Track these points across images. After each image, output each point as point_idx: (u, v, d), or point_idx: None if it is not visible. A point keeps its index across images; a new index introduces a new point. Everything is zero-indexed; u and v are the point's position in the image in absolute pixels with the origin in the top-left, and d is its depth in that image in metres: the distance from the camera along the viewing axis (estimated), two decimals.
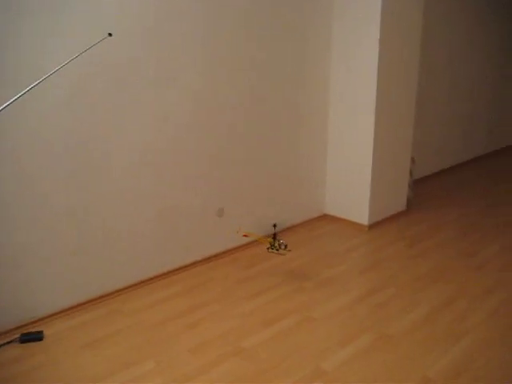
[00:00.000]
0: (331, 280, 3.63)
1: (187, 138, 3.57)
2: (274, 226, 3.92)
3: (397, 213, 4.91)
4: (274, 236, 3.70)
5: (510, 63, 7.75)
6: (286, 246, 3.62)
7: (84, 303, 3.22)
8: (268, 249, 3.72)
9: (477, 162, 7.15)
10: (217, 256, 3.96)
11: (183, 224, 3.69)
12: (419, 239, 4.36)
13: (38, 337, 2.87)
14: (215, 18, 3.53)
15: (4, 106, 2.01)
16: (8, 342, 2.81)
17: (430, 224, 4.71)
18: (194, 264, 3.81)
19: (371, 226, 4.58)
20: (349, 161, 4.59)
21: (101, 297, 3.30)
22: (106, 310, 3.21)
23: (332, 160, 4.72)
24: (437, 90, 6.07)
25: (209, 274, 3.72)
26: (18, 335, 2.86)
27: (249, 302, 3.30)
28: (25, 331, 2.92)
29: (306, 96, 4.38)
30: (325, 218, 4.83)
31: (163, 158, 3.45)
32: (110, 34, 2.44)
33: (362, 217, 4.56)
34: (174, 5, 3.28)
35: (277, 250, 3.67)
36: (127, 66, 3.12)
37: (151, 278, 3.56)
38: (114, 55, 3.04)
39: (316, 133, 4.58)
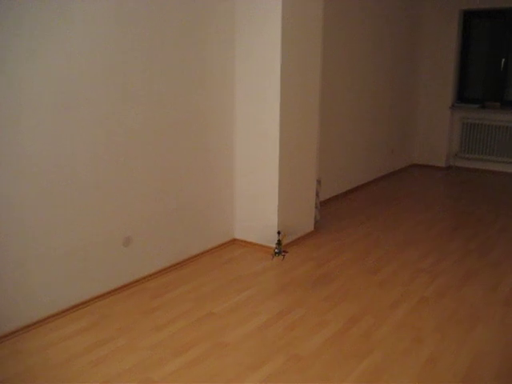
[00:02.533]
0: (241, 304, 3.62)
1: (91, 161, 3.46)
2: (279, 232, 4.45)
3: (305, 234, 5.00)
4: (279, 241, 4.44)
5: (410, 84, 8.22)
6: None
7: None
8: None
9: (381, 181, 7.47)
10: (124, 287, 3.84)
11: (87, 254, 3.55)
12: (326, 259, 4.46)
13: None
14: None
15: None
16: None
17: (336, 244, 4.84)
18: (100, 297, 3.66)
19: None
20: (256, 184, 4.64)
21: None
22: (7, 350, 3.00)
23: (239, 183, 4.74)
24: (339, 112, 6.30)
25: (115, 306, 3.58)
26: None
27: (157, 333, 3.21)
28: None
29: (211, 120, 4.39)
30: (234, 242, 4.83)
31: (66, 184, 3.33)
32: None
33: (271, 240, 4.60)
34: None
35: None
36: None
37: (53, 315, 3.37)
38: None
39: (222, 157, 4.59)
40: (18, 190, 3.07)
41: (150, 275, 4.03)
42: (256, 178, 4.63)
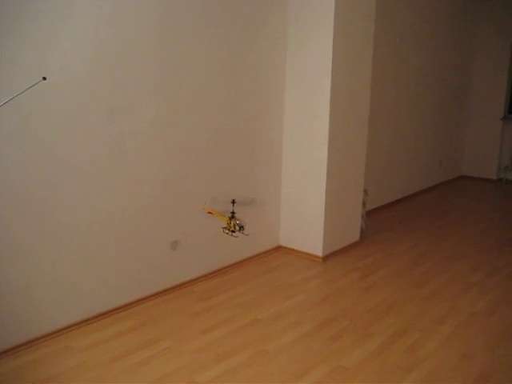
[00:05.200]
0: (285, 312, 3.62)
1: (142, 170, 3.54)
2: (233, 202, 3.52)
3: (350, 244, 4.96)
4: (232, 215, 3.36)
5: (461, 95, 8.07)
6: (242, 228, 3.34)
7: (32, 340, 3.09)
8: (223, 229, 3.42)
9: (429, 192, 7.35)
10: (171, 289, 3.90)
11: (137, 256, 3.63)
12: (371, 270, 4.41)
13: None
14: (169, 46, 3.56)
15: None
16: None
17: (382, 255, 4.78)
18: (148, 298, 3.73)
19: (325, 258, 4.61)
20: (302, 192, 4.64)
21: (48, 334, 3.18)
22: (55, 347, 3.10)
23: (286, 191, 4.76)
24: (387, 122, 6.25)
25: (162, 308, 3.64)
26: None
27: (202, 337, 3.25)
28: None
29: (259, 128, 4.42)
30: (279, 249, 4.84)
31: (117, 191, 3.41)
32: (44, 78, 2.40)
33: (316, 248, 4.59)
34: (129, 33, 3.29)
35: (232, 231, 3.40)
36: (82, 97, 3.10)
37: (101, 314, 3.46)
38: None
39: (269, 164, 4.62)
40: (78, 193, 3.17)
41: (197, 279, 4.09)
42: (303, 186, 4.63)
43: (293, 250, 4.77)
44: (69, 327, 3.28)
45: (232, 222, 3.33)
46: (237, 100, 4.16)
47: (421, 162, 7.24)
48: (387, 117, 6.22)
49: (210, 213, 3.62)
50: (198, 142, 3.92)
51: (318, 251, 4.58)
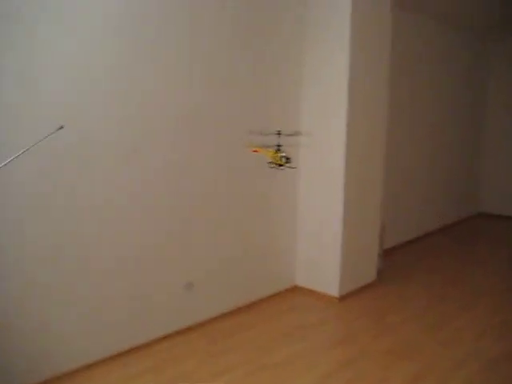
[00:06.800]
0: (301, 354, 3.60)
1: (156, 210, 3.61)
2: (279, 133, 3.24)
3: (367, 283, 4.94)
4: (278, 148, 3.16)
5: (476, 130, 8.07)
6: (288, 160, 3.14)
7: (50, 380, 3.12)
8: (269, 164, 3.20)
9: (447, 230, 7.30)
10: (185, 330, 3.90)
11: (151, 297, 3.66)
12: (388, 312, 4.38)
13: None
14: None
15: None
16: None
17: (399, 296, 4.75)
18: (161, 339, 3.75)
19: (341, 298, 4.59)
20: (319, 231, 4.66)
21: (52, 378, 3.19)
22: None
23: (302, 231, 4.78)
24: (404, 159, 6.27)
25: (176, 349, 3.65)
26: None
27: (216, 379, 3.24)
28: None
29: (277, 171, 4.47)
30: (295, 289, 4.84)
31: (130, 230, 3.47)
32: (61, 127, 2.46)
33: (333, 288, 4.58)
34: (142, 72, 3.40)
35: (279, 165, 3.17)
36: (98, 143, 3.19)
37: (115, 356, 3.48)
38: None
39: (285, 203, 4.66)
40: (94, 232, 3.24)
41: (211, 320, 4.10)
42: (319, 224, 4.65)
43: (309, 290, 4.77)
44: (77, 370, 3.30)
45: (278, 155, 3.15)
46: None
47: (438, 200, 7.22)
48: (403, 153, 6.25)
49: (255, 151, 3.32)
50: (212, 185, 4.00)
51: (335, 291, 4.57)
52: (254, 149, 3.29)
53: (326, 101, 4.47)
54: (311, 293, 4.74)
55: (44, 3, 2.85)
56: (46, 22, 2.87)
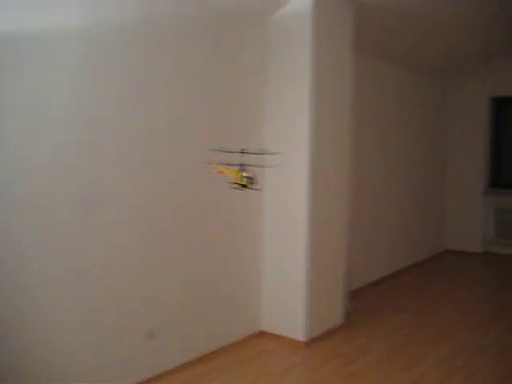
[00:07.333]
0: None
1: (120, 254, 3.50)
2: (243, 151, 2.95)
3: (333, 327, 4.84)
4: (242, 167, 2.88)
5: (439, 170, 8.20)
6: (251, 180, 2.86)
7: None
8: (231, 184, 2.91)
9: (414, 269, 7.28)
10: (147, 381, 3.73)
11: (110, 346, 3.50)
12: (356, 356, 4.28)
13: None
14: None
15: None
16: None
17: (366, 338, 4.66)
18: None
19: (308, 343, 4.47)
20: (283, 274, 4.58)
21: None
22: None
23: (267, 275, 4.69)
24: (368, 199, 6.29)
25: None
26: None
27: None
28: None
29: (237, 208, 4.43)
30: (261, 335, 4.70)
31: (89, 278, 3.35)
32: None
33: (299, 333, 4.48)
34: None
35: (242, 185, 2.88)
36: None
37: None
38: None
39: (249, 247, 4.59)
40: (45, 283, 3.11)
41: (172, 370, 3.92)
42: (283, 268, 4.58)
43: (275, 335, 4.65)
44: None
45: (241, 175, 2.85)
46: (217, 192, 4.17)
47: (404, 238, 7.24)
48: (368, 194, 6.28)
49: (220, 172, 3.00)
50: (176, 225, 3.92)
51: (301, 336, 4.47)
52: (220, 169, 2.99)
53: (289, 134, 4.47)
54: (277, 338, 4.61)
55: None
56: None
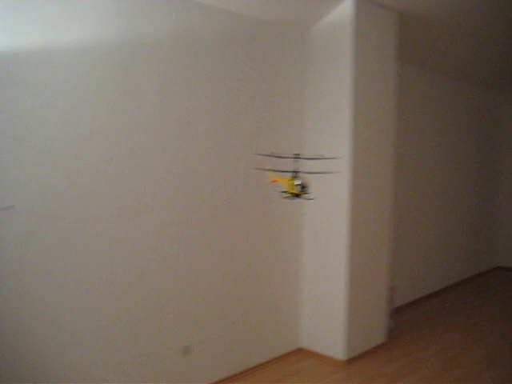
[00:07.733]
0: None
1: (159, 267, 3.48)
2: (297, 156, 2.71)
3: (376, 345, 4.69)
4: (294, 174, 2.66)
5: (491, 183, 7.90)
6: (304, 188, 2.63)
7: None
8: (284, 192, 2.69)
9: (462, 286, 7.02)
10: None
11: (145, 363, 3.48)
12: (398, 377, 4.12)
13: None
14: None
15: None
16: None
17: (410, 358, 4.49)
18: None
19: (349, 361, 4.35)
20: (323, 292, 4.47)
21: None
22: None
23: (306, 291, 4.59)
24: (415, 213, 6.10)
25: None
26: None
27: None
28: None
29: (278, 227, 4.36)
30: (300, 352, 4.60)
31: (125, 293, 3.34)
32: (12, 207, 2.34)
33: (339, 351, 4.35)
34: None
35: (295, 195, 2.66)
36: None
37: None
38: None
39: (289, 264, 4.50)
40: (81, 297, 3.12)
41: None
42: (324, 285, 4.47)
43: (314, 352, 4.53)
44: None
45: (293, 183, 2.63)
46: (256, 206, 4.13)
47: (453, 254, 6.99)
48: (415, 208, 6.09)
49: (274, 181, 2.81)
50: (215, 239, 3.88)
51: (341, 355, 4.34)
52: (274, 178, 2.78)
53: (330, 145, 4.36)
54: (316, 356, 4.50)
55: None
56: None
